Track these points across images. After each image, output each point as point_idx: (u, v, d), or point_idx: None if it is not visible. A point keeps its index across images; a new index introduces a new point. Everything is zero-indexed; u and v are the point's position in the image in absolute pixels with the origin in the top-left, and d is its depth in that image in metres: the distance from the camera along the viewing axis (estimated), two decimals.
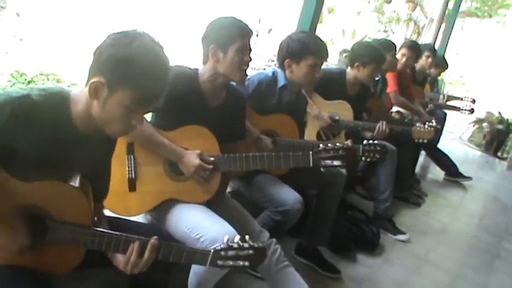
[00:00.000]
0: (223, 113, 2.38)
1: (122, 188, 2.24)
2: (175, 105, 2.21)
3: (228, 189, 2.73)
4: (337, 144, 2.29)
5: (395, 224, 4.06)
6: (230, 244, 1.72)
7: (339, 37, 12.56)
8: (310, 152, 2.29)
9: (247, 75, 2.36)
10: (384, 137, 3.53)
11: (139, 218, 2.39)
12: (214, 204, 2.32)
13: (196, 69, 2.36)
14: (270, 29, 10.26)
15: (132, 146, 2.24)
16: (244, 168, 2.30)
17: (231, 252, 1.71)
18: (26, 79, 4.31)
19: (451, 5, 8.01)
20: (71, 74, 4.82)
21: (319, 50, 2.85)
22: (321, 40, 2.95)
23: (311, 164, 2.31)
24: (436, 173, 5.99)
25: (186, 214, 2.20)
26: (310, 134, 3.41)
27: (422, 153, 5.91)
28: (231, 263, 1.72)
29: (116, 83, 1.50)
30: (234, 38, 2.23)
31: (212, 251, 1.70)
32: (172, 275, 1.98)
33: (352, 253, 3.47)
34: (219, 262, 1.71)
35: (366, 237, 3.61)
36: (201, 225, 2.11)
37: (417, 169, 5.68)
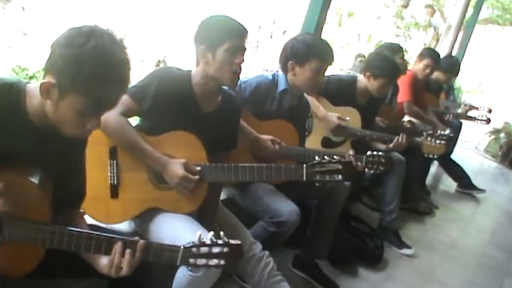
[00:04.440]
0: (216, 120, 2.23)
1: (103, 194, 2.12)
2: (166, 110, 2.09)
3: (222, 197, 2.59)
4: (334, 157, 2.14)
5: (401, 237, 3.89)
6: (202, 240, 1.56)
7: (355, 41, 12.39)
8: (304, 165, 2.13)
9: (239, 78, 2.19)
10: (400, 150, 3.39)
11: (124, 225, 2.28)
12: (203, 214, 2.19)
13: (190, 71, 2.22)
14: (285, 31, 10.10)
15: (115, 150, 2.11)
16: (232, 179, 2.17)
17: (203, 249, 1.56)
18: (27, 74, 4.25)
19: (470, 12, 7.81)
20: None
21: (325, 54, 2.71)
22: (327, 43, 2.81)
23: (304, 178, 2.15)
24: (448, 184, 5.80)
25: (169, 224, 2.08)
26: (314, 141, 3.25)
27: (435, 162, 5.73)
28: (204, 261, 1.56)
29: (66, 87, 1.38)
30: (223, 38, 2.08)
31: (182, 247, 1.55)
32: (153, 285, 1.85)
33: (353, 267, 3.31)
34: (191, 260, 1.56)
35: (368, 251, 3.46)
36: (184, 238, 1.97)
37: (428, 179, 5.49)
